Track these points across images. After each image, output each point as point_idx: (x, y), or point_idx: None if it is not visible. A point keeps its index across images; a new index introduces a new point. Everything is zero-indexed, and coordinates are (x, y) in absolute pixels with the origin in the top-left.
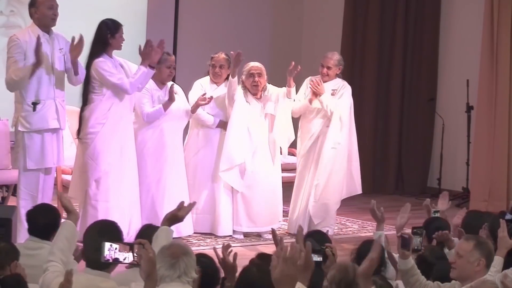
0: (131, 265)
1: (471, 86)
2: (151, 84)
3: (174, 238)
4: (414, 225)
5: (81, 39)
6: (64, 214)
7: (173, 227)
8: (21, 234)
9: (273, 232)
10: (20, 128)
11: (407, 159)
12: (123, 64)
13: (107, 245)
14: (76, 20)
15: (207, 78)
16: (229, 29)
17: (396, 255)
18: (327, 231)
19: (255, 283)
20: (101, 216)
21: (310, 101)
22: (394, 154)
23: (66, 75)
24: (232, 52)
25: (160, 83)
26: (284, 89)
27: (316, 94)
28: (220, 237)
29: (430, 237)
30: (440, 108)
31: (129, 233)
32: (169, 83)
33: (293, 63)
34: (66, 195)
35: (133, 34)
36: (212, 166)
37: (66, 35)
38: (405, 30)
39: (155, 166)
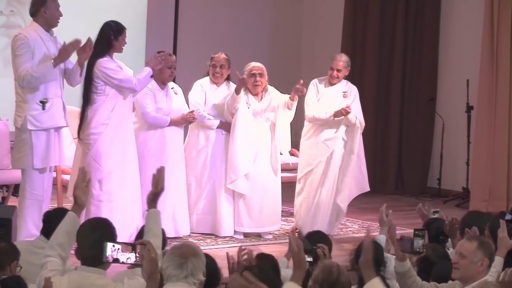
0: (133, 266)
1: (471, 86)
2: (153, 84)
3: (172, 238)
4: (416, 226)
5: (90, 42)
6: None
7: (171, 227)
8: (22, 234)
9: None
10: (29, 127)
11: (407, 159)
12: (122, 67)
13: (109, 245)
14: (76, 20)
15: (207, 78)
16: (229, 29)
17: (393, 257)
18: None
19: None
20: (104, 216)
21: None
22: (394, 154)
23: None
24: (237, 72)
25: (161, 83)
26: (285, 97)
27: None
28: (221, 237)
29: (431, 238)
30: (440, 108)
31: (133, 234)
32: (170, 84)
33: (302, 81)
34: (84, 185)
35: (133, 34)
36: (213, 166)
37: (66, 35)
38: (405, 30)
39: (156, 167)
